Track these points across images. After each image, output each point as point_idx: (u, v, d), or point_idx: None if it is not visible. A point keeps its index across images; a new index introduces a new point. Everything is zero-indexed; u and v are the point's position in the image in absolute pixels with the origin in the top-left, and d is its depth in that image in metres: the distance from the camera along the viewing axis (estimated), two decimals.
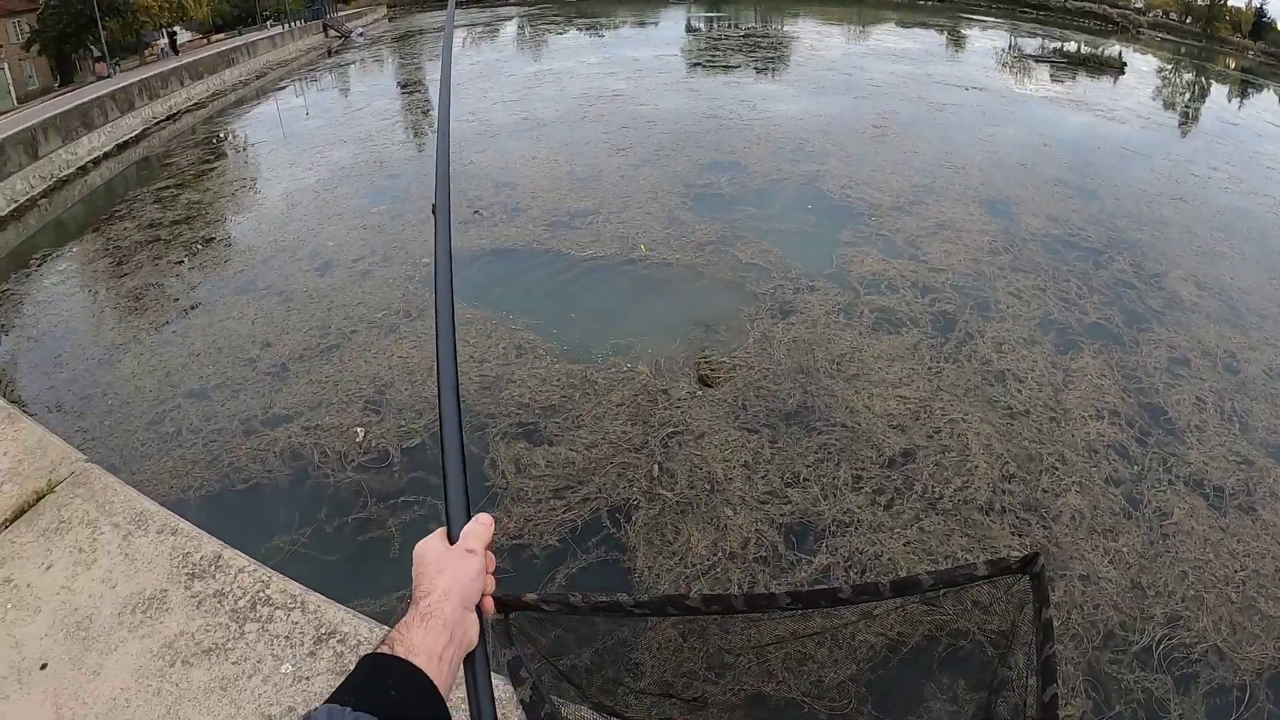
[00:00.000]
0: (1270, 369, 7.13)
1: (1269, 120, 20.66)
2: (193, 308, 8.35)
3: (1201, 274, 8.84)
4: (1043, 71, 19.68)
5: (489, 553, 1.00)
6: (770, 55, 22.68)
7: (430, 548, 0.97)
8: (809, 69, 20.09)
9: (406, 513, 5.12)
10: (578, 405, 6.04)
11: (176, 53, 29.71)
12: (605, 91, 18.08)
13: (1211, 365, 7.10)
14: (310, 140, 16.34)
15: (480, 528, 1.00)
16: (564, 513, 5.06)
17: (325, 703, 0.73)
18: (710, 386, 6.26)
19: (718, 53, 24.58)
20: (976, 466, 5.40)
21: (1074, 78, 19.28)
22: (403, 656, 0.81)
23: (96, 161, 18.27)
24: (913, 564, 4.53)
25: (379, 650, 0.82)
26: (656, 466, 5.35)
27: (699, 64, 22.11)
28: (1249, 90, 26.06)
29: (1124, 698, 3.98)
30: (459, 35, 35.04)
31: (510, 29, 37.48)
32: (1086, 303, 7.86)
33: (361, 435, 5.85)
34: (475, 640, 0.92)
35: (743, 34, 30.58)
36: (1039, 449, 5.68)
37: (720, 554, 4.52)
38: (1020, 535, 4.89)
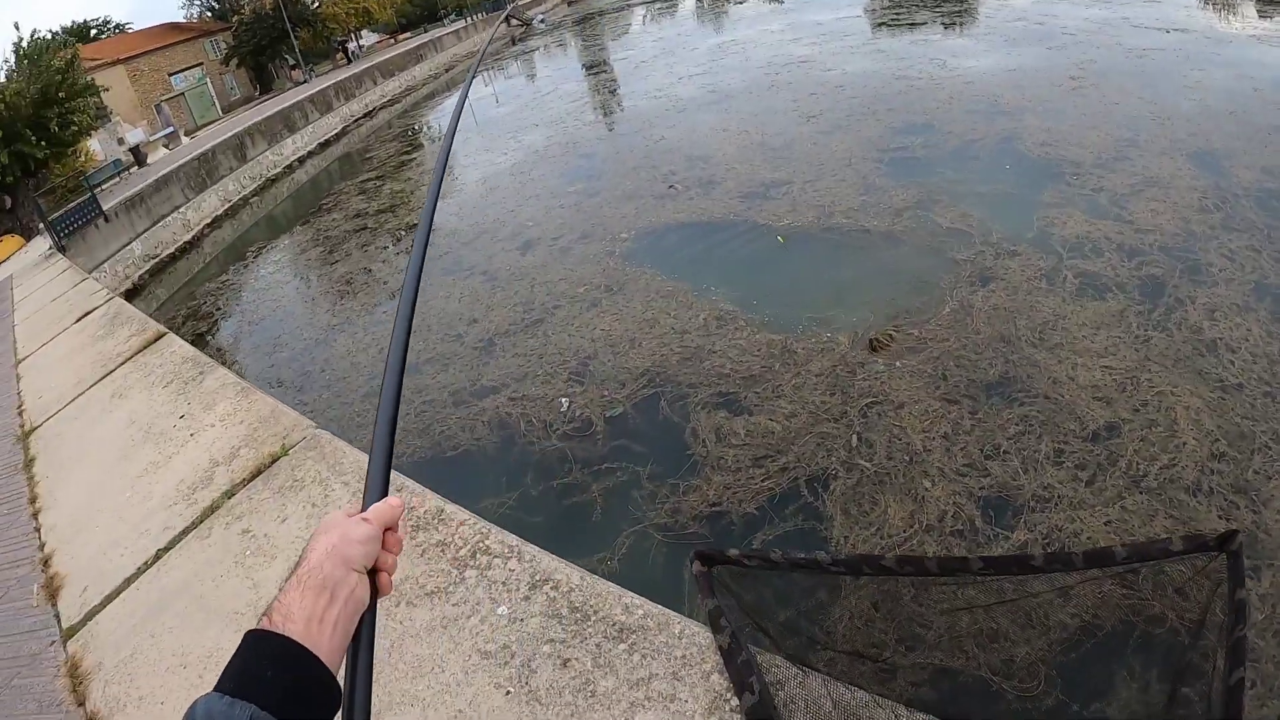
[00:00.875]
0: None
1: None
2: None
3: None
4: (1249, 7, 17.43)
5: (393, 533, 1.00)
6: (957, 8, 21.24)
7: (329, 517, 0.98)
8: (998, 20, 18.67)
9: (609, 479, 5.46)
10: (777, 375, 6.26)
11: (350, 60, 31.23)
12: (791, 58, 17.66)
13: None
14: (502, 126, 17.09)
15: (385, 506, 1.00)
16: (762, 481, 5.28)
17: (209, 692, 0.75)
18: (876, 352, 6.46)
19: (902, 10, 23.30)
20: (1184, 443, 5.24)
21: None
22: (278, 628, 0.82)
23: (301, 160, 19.91)
24: (1115, 542, 4.68)
25: (259, 625, 0.83)
26: (855, 436, 5.50)
27: (884, 24, 21.07)
28: None
29: None
30: (638, 13, 34.69)
31: (688, 3, 36.73)
32: None
33: (566, 405, 6.31)
34: (366, 601, 0.92)
35: None
36: (1252, 426, 5.40)
37: (917, 525, 4.67)
38: (1228, 519, 4.78)
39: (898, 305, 6.92)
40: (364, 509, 1.00)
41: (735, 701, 2.35)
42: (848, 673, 2.99)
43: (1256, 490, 5.07)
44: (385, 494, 1.03)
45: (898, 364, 6.26)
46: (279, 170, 19.20)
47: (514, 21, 37.97)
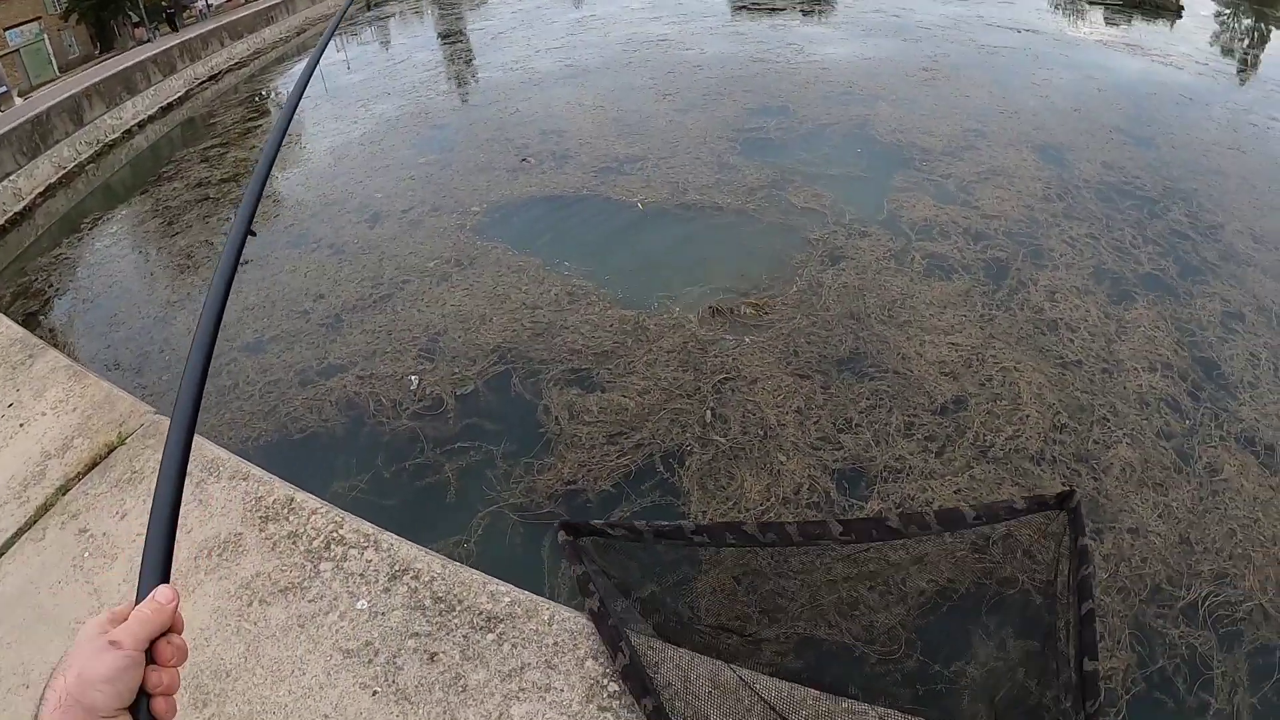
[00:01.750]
0: None
1: None
2: (244, 263, 8.28)
3: (1259, 227, 8.64)
4: (1096, 14, 19.01)
5: (168, 642, 0.81)
6: None
7: (81, 632, 0.78)
8: (856, 10, 19.46)
9: (462, 458, 5.24)
10: (630, 352, 6.08)
11: (176, 29, 28.82)
12: (650, 37, 17.67)
13: (1267, 321, 6.99)
14: (354, 94, 16.30)
15: (146, 613, 0.80)
16: (618, 458, 5.15)
17: None
18: (717, 317, 6.38)
19: None
20: (1028, 416, 5.37)
21: (1129, 21, 18.62)
22: None
23: (141, 125, 18.35)
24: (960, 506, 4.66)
25: None
26: (709, 412, 5.38)
27: (744, 7, 21.51)
28: None
29: (1168, 652, 4.00)
30: None
31: None
32: (1141, 253, 7.66)
33: (415, 383, 5.99)
34: None
35: None
36: (1090, 400, 5.63)
37: (773, 499, 4.58)
38: (1068, 483, 4.95)
39: (750, 282, 6.81)
40: (138, 594, 0.82)
41: (613, 687, 2.36)
42: (713, 645, 2.95)
43: (1096, 459, 5.22)
44: (165, 577, 0.83)
45: (747, 339, 6.11)
46: (117, 135, 17.57)
47: None
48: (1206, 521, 4.90)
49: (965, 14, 18.26)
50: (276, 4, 30.14)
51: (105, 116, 17.50)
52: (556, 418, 5.52)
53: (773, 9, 20.71)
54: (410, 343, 6.57)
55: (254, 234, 1.26)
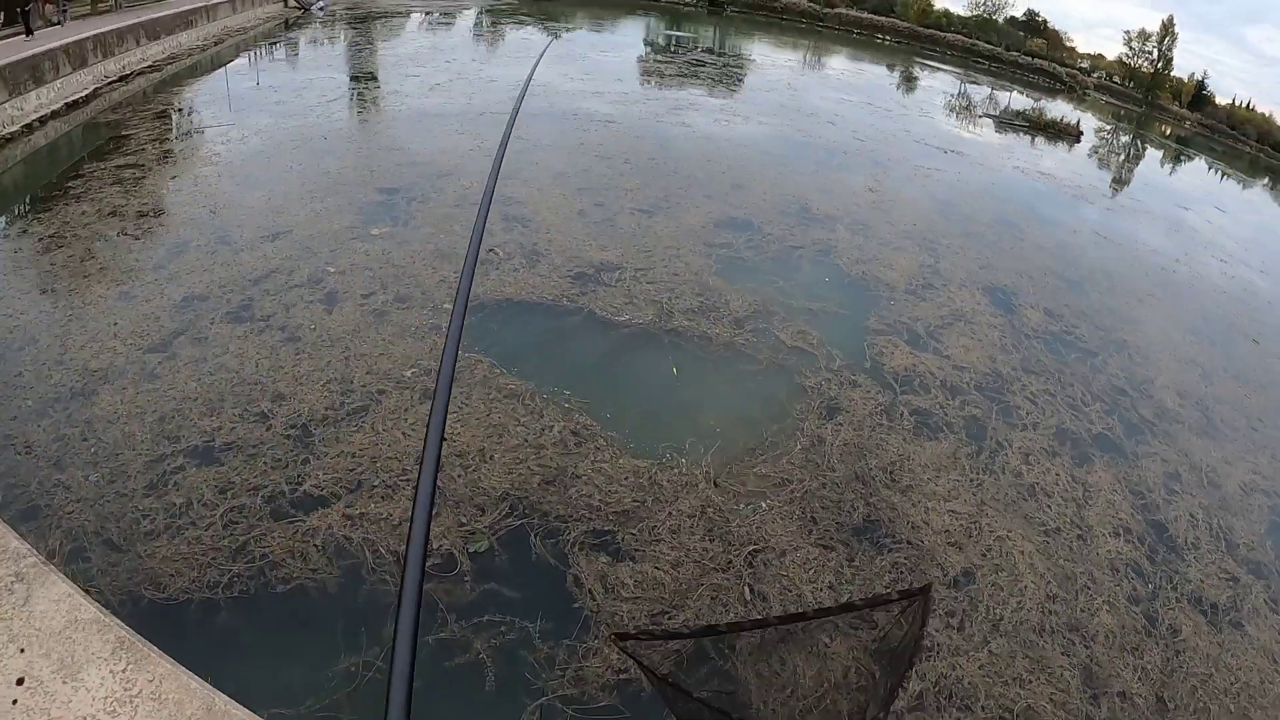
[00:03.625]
0: (1244, 485, 8.65)
1: (1217, 203, 23.79)
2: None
3: (1180, 382, 10.57)
4: (1006, 134, 21.49)
5: None
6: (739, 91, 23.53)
7: None
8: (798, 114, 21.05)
9: (492, 635, 4.96)
10: (650, 513, 6.39)
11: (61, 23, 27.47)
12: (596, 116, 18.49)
13: (1198, 480, 8.53)
14: (279, 134, 15.62)
15: None
16: (667, 643, 5.18)
17: None
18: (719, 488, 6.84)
19: (686, 77, 25.67)
20: (1026, 587, 6.43)
21: (1033, 142, 21.26)
22: None
23: (43, 120, 17.16)
24: (989, 686, 5.51)
25: None
26: (748, 589, 5.88)
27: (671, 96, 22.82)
28: (1194, 163, 29.43)
29: None
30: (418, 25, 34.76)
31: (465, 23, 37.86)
32: (1091, 410, 9.23)
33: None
34: None
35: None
36: (1073, 567, 6.81)
37: (826, 683, 5.07)
38: (1067, 655, 5.95)
39: (752, 433, 7.58)
40: None
41: None
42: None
43: (1084, 627, 6.36)
44: None
45: (764, 505, 6.79)
46: (16, 129, 16.18)
47: (292, 2, 37.29)
48: (1174, 680, 6.12)
49: (894, 129, 20.22)
50: (198, 8, 29.33)
51: (6, 105, 16.38)
52: (589, 591, 5.53)
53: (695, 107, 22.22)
54: (401, 476, 6.22)
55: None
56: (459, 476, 6.38)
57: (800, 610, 3.89)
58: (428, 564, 4.81)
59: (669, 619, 5.60)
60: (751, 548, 6.34)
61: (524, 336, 8.20)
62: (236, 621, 4.92)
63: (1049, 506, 7.54)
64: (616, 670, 4.92)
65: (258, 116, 16.52)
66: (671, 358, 8.08)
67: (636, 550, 6.01)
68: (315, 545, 5.52)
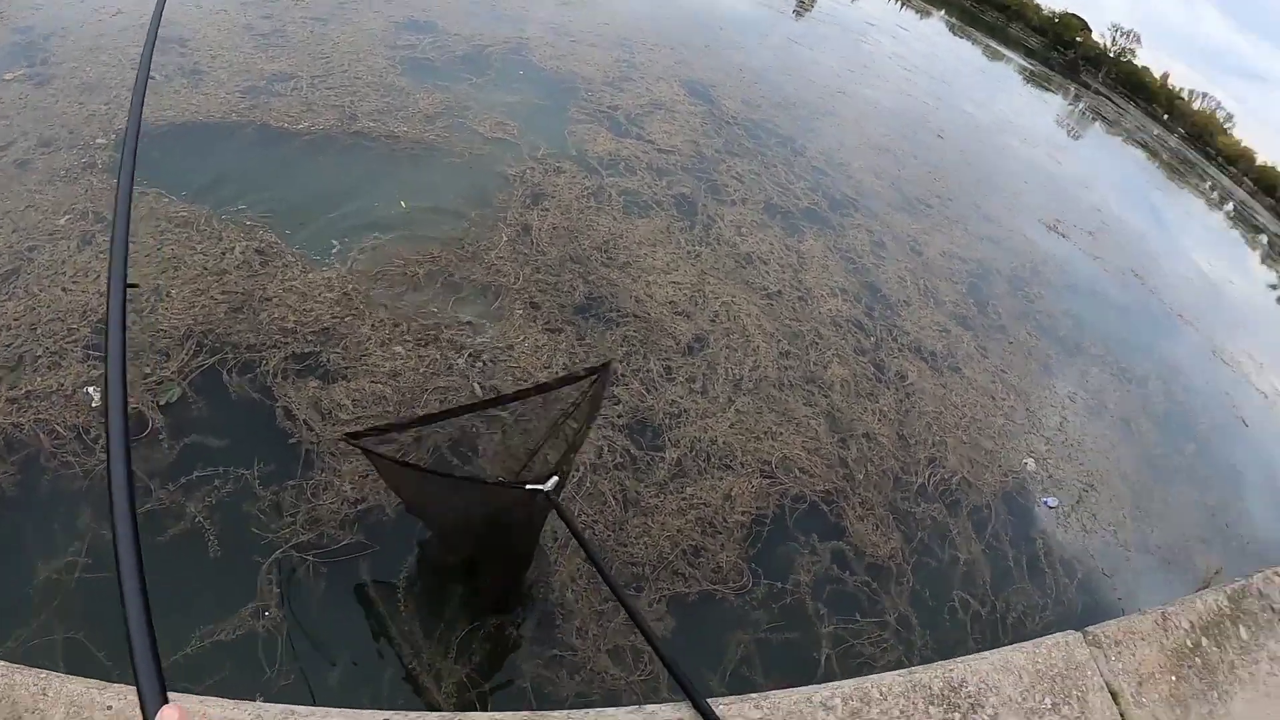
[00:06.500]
0: (943, 252, 9.46)
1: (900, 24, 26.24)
2: None
3: (875, 165, 11.25)
4: None
5: None
6: None
7: None
8: None
9: (206, 493, 4.23)
10: (352, 326, 5.56)
11: None
12: None
13: (902, 248, 9.11)
14: None
15: None
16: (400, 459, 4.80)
17: None
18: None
19: None
20: (759, 346, 6.35)
21: None
22: None
23: None
24: (743, 443, 5.41)
25: None
26: (478, 386, 5.41)
27: None
28: None
29: (919, 524, 5.40)
30: None
31: None
32: (796, 187, 9.36)
33: (96, 398, 4.61)
34: None
35: None
36: (799, 326, 6.86)
37: (582, 467, 4.85)
38: (810, 405, 6.06)
39: (456, 224, 6.76)
40: None
41: None
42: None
43: (821, 379, 6.43)
44: (164, 697, 0.89)
45: (484, 304, 6.07)
46: None
47: None
48: (910, 419, 6.44)
49: None
50: None
51: None
52: (306, 422, 4.80)
53: None
54: (68, 337, 4.89)
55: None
56: (134, 323, 5.16)
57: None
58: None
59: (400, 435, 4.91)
60: (470, 349, 5.65)
61: (192, 160, 6.73)
62: None
63: (768, 273, 7.53)
64: (354, 503, 4.32)
65: None
66: (399, 196, 6.94)
67: (347, 368, 5.26)
68: None
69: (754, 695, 2.56)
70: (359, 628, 3.77)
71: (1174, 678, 3.78)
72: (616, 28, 12.68)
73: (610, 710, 2.39)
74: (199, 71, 7.92)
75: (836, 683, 2.72)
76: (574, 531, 3.08)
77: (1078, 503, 6.82)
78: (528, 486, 3.13)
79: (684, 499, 4.87)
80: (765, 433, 5.62)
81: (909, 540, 5.32)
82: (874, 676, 2.88)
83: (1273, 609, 4.86)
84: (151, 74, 7.86)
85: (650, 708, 2.45)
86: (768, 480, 5.24)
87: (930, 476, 5.96)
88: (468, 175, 7.45)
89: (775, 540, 4.87)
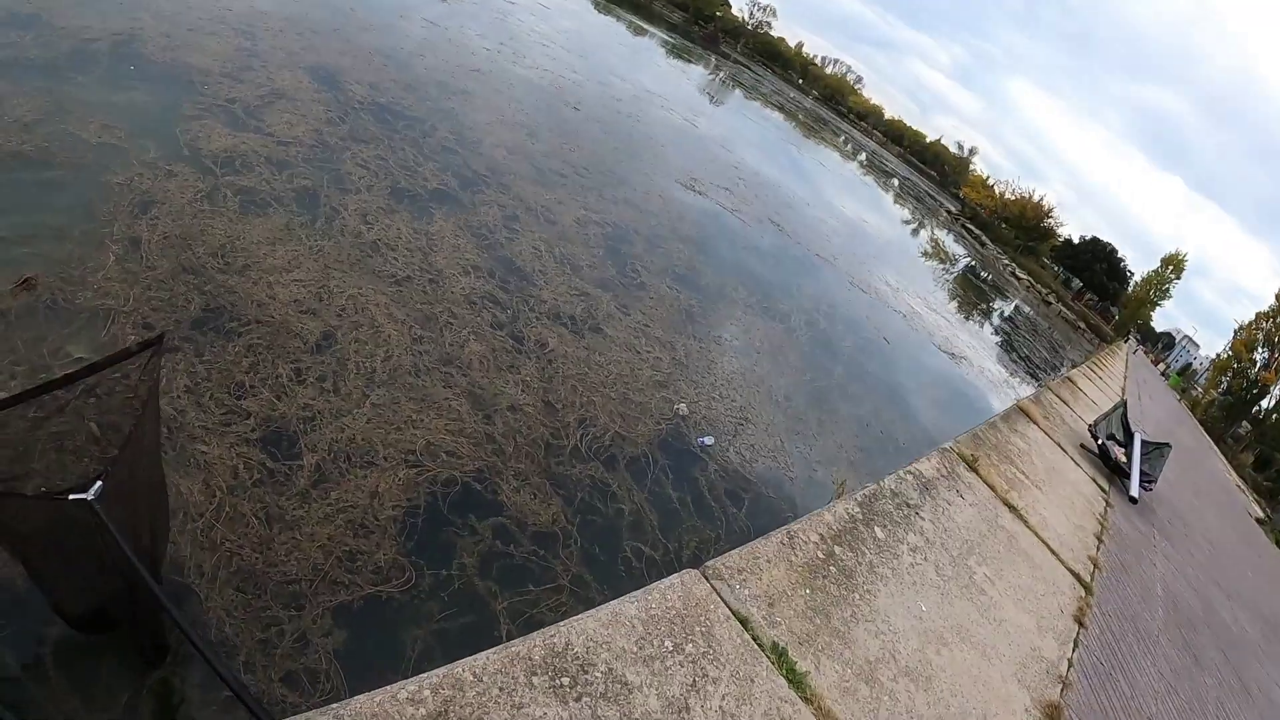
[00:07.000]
0: (578, 219, 9.99)
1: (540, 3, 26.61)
2: None
3: (508, 141, 11.54)
4: None
5: None
6: None
7: None
8: None
9: None
10: None
11: None
12: None
13: (536, 219, 9.49)
14: None
15: None
16: None
17: None
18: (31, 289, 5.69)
19: None
20: (390, 335, 6.39)
21: None
22: None
23: None
24: (383, 436, 5.44)
25: None
26: (94, 425, 4.90)
27: None
28: None
29: (577, 485, 5.76)
30: None
31: None
32: (425, 169, 9.45)
33: None
34: None
35: None
36: (432, 309, 6.99)
37: (218, 492, 4.61)
38: (449, 387, 6.18)
39: (59, 244, 6.08)
40: None
41: None
42: None
43: (458, 359, 6.62)
44: None
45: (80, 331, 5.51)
46: None
47: None
48: (555, 384, 6.81)
49: None
50: None
51: None
52: None
53: None
54: None
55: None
56: None
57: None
58: None
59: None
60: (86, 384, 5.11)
61: None
62: None
63: (395, 259, 7.56)
64: None
65: None
66: None
67: None
68: None
69: (333, 706, 2.46)
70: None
71: (808, 591, 3.96)
72: (240, 14, 11.90)
73: None
74: None
75: (424, 674, 2.66)
76: (123, 552, 2.74)
77: (734, 437, 7.54)
78: (71, 497, 2.73)
79: (330, 504, 4.83)
80: (406, 422, 5.69)
81: (570, 503, 5.65)
82: (466, 660, 2.79)
83: (907, 505, 5.55)
84: None
85: None
86: (414, 470, 5.33)
87: (582, 437, 6.36)
88: (71, 189, 6.74)
89: (432, 529, 4.98)
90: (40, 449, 3.36)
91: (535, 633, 3.04)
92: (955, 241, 33.69)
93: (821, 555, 4.32)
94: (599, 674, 2.90)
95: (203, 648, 2.54)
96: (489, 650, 2.88)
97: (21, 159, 6.79)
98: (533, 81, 15.87)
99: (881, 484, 5.64)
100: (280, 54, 11.01)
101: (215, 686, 3.62)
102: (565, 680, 2.83)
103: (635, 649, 3.07)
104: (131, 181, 7.06)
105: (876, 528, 5.00)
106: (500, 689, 2.70)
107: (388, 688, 2.62)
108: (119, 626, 3.62)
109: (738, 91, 37.68)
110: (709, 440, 7.26)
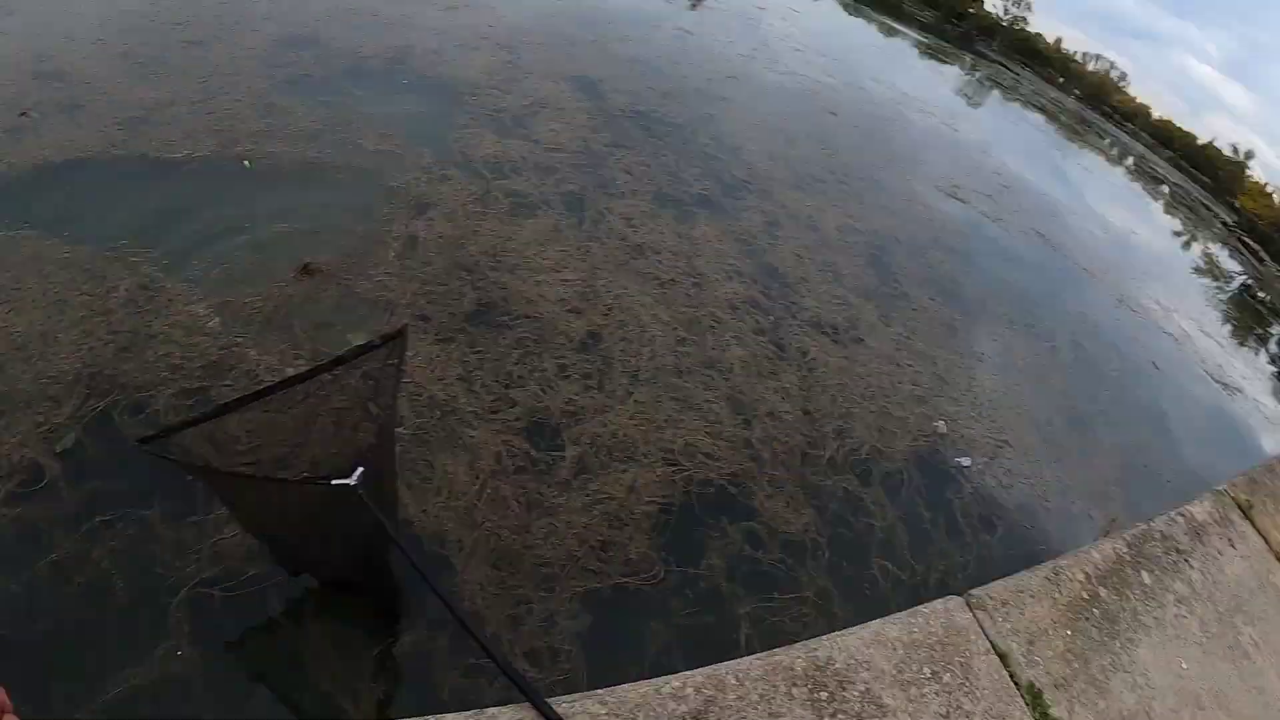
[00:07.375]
0: (840, 227, 9.64)
1: (791, 5, 26.56)
2: None
3: (768, 147, 11.37)
4: None
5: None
6: None
7: None
8: None
9: (109, 538, 4.13)
10: (244, 357, 5.35)
11: None
12: None
13: (797, 226, 9.25)
14: None
15: None
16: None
17: None
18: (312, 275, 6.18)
19: None
20: (654, 336, 6.35)
21: None
22: None
23: None
24: (644, 433, 5.41)
25: None
26: (370, 404, 5.26)
27: None
28: None
29: (831, 496, 5.45)
30: None
31: None
32: (686, 175, 9.42)
33: None
34: None
35: None
36: (695, 312, 6.88)
37: (482, 474, 4.79)
38: (710, 389, 6.08)
39: (343, 244, 6.59)
40: None
41: None
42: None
43: (720, 362, 6.47)
44: None
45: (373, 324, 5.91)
46: None
47: None
48: (814, 394, 6.50)
49: None
50: None
51: None
52: (200, 455, 4.65)
53: None
54: None
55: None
56: (23, 372, 5.02)
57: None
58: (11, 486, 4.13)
59: (297, 459, 4.77)
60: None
61: (71, 198, 6.38)
62: None
63: (660, 262, 7.54)
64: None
65: None
66: (245, 161, 6.81)
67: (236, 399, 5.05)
68: None
69: (599, 690, 2.51)
70: (271, 658, 3.76)
71: (1069, 632, 3.74)
72: (502, 31, 12.59)
73: (450, 716, 2.32)
74: (76, 105, 7.59)
75: (688, 671, 2.67)
76: (391, 533, 2.94)
77: (992, 460, 6.95)
78: (333, 483, 2.97)
79: (588, 495, 4.84)
80: (666, 421, 5.61)
81: (821, 514, 5.37)
82: (730, 662, 2.81)
83: (1177, 550, 4.92)
84: (26, 112, 7.58)
85: (491, 710, 2.40)
86: (672, 468, 5.25)
87: (839, 449, 6.03)
88: (352, 191, 7.31)
89: (684, 527, 4.91)
90: (299, 434, 3.78)
91: (798, 644, 3.06)
92: (1230, 256, 29.80)
93: (1086, 596, 4.04)
94: (856, 693, 2.89)
95: (462, 616, 2.64)
96: (752, 655, 2.94)
97: (307, 164, 7.41)
98: (788, 87, 15.65)
99: (1151, 524, 4.99)
100: (542, 66, 11.47)
101: (463, 651, 3.75)
102: (824, 695, 2.83)
103: (894, 672, 3.05)
104: (408, 185, 7.50)
105: (1144, 572, 4.50)
106: (760, 695, 2.72)
107: (653, 680, 2.67)
108: (362, 592, 3.92)
109: (996, 92, 35.55)
110: (966, 461, 6.69)
